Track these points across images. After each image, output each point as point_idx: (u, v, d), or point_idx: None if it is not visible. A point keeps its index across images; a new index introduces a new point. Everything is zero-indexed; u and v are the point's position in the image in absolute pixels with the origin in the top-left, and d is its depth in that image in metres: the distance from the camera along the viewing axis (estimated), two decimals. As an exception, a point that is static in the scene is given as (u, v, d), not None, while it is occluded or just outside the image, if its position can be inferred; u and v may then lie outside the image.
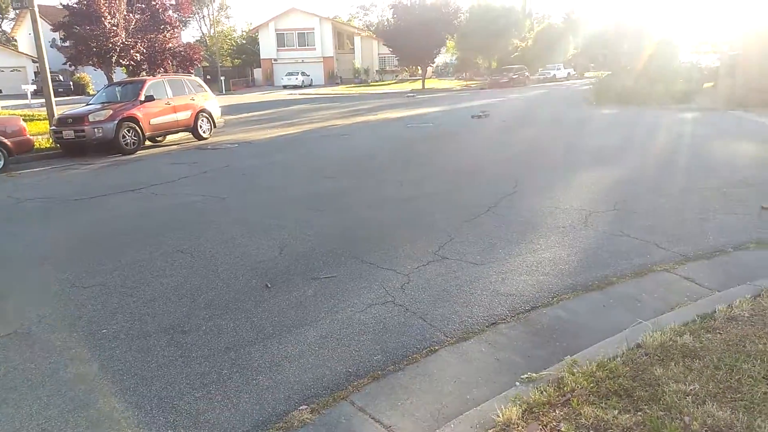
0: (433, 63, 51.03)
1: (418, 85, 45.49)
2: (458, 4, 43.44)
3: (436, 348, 3.31)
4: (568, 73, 51.47)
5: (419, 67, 46.09)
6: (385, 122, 18.19)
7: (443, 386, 2.93)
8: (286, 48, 59.27)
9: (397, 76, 63.63)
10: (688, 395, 2.47)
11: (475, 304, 3.86)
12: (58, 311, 4.10)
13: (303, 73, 54.57)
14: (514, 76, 42.69)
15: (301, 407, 2.79)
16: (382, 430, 2.59)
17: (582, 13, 48.81)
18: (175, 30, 27.22)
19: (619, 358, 2.88)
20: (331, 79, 57.93)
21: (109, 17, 22.31)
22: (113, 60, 23.42)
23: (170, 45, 25.54)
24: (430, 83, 47.66)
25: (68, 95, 37.68)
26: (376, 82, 58.59)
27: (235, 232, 5.88)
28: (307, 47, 58.91)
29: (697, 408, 2.37)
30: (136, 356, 3.39)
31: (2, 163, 10.95)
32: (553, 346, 3.28)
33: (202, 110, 15.33)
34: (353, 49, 63.01)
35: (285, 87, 51.80)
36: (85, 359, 3.39)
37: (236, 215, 6.64)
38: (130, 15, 23.83)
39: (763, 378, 2.58)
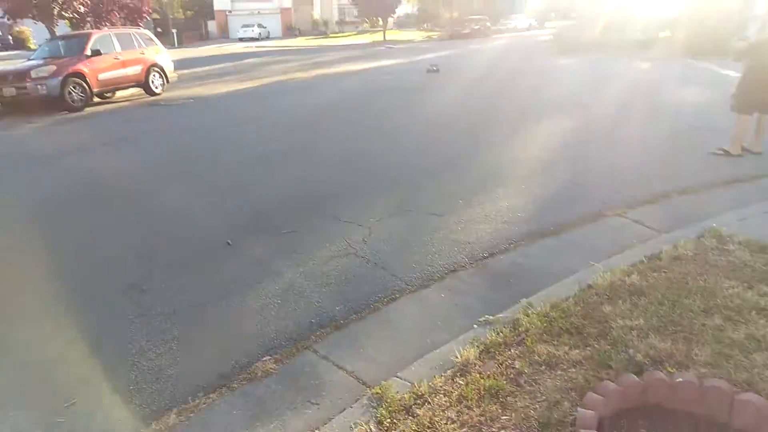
0: (394, 14, 49.83)
1: (379, 36, 44.48)
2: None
3: (397, 296, 3.38)
4: (529, 24, 51.16)
5: (380, 19, 44.96)
6: (346, 75, 17.82)
7: (404, 332, 3.01)
8: (241, -1, 56.76)
9: (357, 27, 62.00)
10: (633, 330, 2.61)
11: (435, 252, 3.93)
12: (9, 274, 3.98)
13: (260, 25, 52.57)
14: (476, 27, 42.17)
15: (264, 358, 2.83)
16: (345, 376, 2.66)
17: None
18: (122, -21, 25.69)
19: (571, 299, 3.00)
20: (290, 31, 56.02)
21: (48, -36, 20.83)
22: (55, 12, 21.99)
23: (116, -5, 24.16)
24: (392, 35, 46.64)
25: (7, 50, 35.48)
26: (336, 33, 56.97)
27: (194, 190, 5.76)
28: (263, -2, 56.53)
29: (641, 341, 2.51)
30: (93, 317, 3.35)
31: (-62, 124, 10.32)
32: (510, 290, 3.39)
33: (154, 65, 14.66)
34: (312, 0, 60.79)
35: (241, 40, 49.86)
36: (40, 323, 3.33)
37: (195, 173, 6.49)
38: (71, -38, 22.29)
39: (702, 311, 2.74)
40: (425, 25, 58.35)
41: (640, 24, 23.33)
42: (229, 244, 4.32)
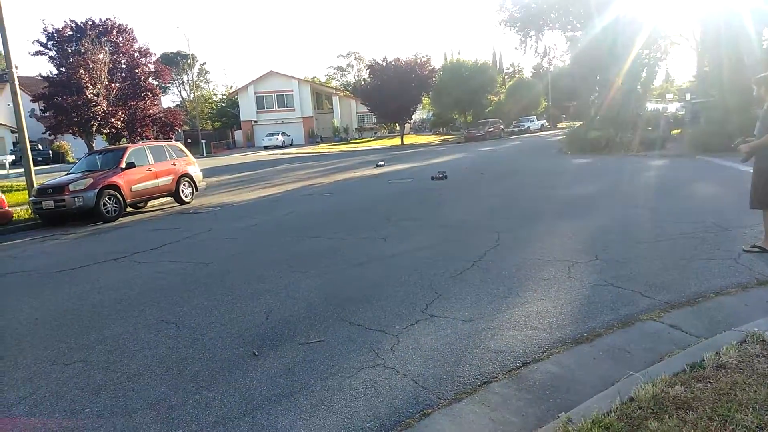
0: (411, 119, 52.43)
1: (397, 141, 46.48)
2: (433, 64, 45.09)
3: (429, 411, 3.26)
4: (542, 125, 53.27)
5: (397, 124, 47.23)
6: (367, 179, 18.44)
7: (439, 452, 2.87)
8: (265, 110, 60.54)
9: (375, 133, 65.10)
10: (685, 449, 2.46)
11: (465, 362, 3.84)
12: (38, 391, 3.96)
13: (283, 134, 55.53)
14: (490, 129, 44.03)
15: (294, 483, 2.70)
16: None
17: (549, 66, 51.07)
18: (156, 97, 27.71)
19: (613, 413, 2.86)
20: (312, 138, 58.98)
21: (91, 87, 22.65)
22: (94, 128, 23.60)
23: (150, 111, 25.92)
24: (409, 139, 48.80)
25: (47, 164, 37.68)
26: (356, 139, 59.80)
27: (220, 299, 5.81)
28: (286, 108, 60.25)
29: (695, 462, 2.35)
30: (121, 436, 3.27)
31: (-21, 236, 10.80)
32: (547, 402, 3.26)
33: (184, 174, 15.44)
34: (332, 108, 64.56)
35: (266, 148, 52.55)
36: (66, 442, 3.26)
37: (220, 281, 6.58)
38: (112, 84, 24.24)
39: (757, 428, 2.59)
40: (441, 129, 61.02)
41: (651, 121, 24.15)
42: (255, 354, 4.28)
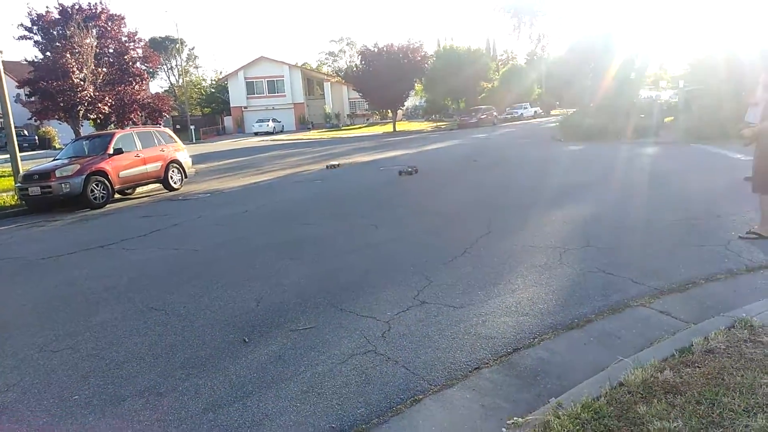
0: (403, 106, 52.19)
1: (389, 128, 46.28)
2: (425, 50, 44.79)
3: (420, 397, 3.26)
4: (535, 112, 53.15)
5: (390, 111, 47.06)
6: (358, 166, 18.37)
7: (430, 437, 2.87)
8: (256, 95, 59.97)
9: (368, 119, 64.76)
10: (673, 433, 2.48)
11: (457, 348, 3.83)
12: (26, 378, 3.92)
13: (274, 120, 55.09)
14: (483, 116, 43.89)
15: (284, 469, 2.69)
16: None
17: (543, 53, 50.91)
18: (144, 82, 27.34)
19: (603, 398, 2.88)
20: (303, 124, 58.60)
21: (77, 71, 22.29)
22: (80, 113, 23.26)
23: (139, 96, 25.58)
24: (401, 126, 48.58)
25: (33, 150, 37.17)
26: (348, 126, 59.47)
27: (209, 285, 5.76)
28: (277, 94, 59.73)
29: (684, 446, 2.37)
30: (110, 423, 3.25)
31: (-35, 222, 10.64)
32: (537, 388, 3.27)
33: (173, 161, 15.28)
34: (323, 94, 64.09)
35: (256, 134, 52.15)
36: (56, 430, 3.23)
37: (209, 268, 6.53)
38: (99, 69, 23.87)
39: (744, 411, 2.60)
40: (433, 116, 60.80)
41: (644, 109, 24.18)
42: (245, 341, 4.26)
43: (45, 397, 3.63)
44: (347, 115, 65.64)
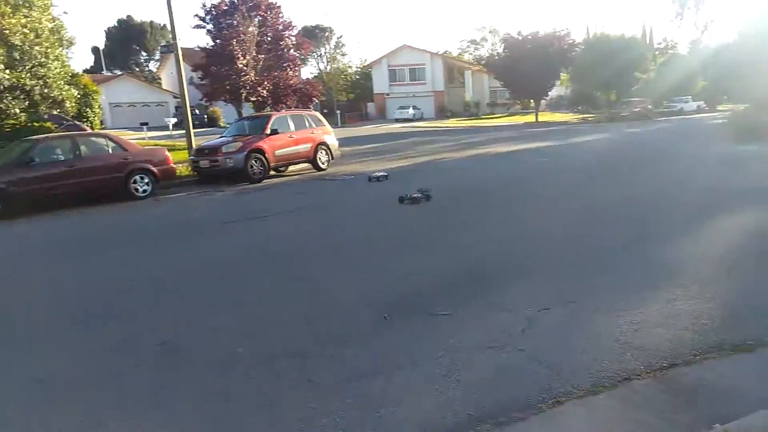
0: (547, 96, 49.86)
1: (530, 118, 44.65)
2: (573, 37, 42.30)
3: (563, 399, 3.15)
4: (698, 106, 47.70)
5: (532, 100, 45.29)
6: (498, 156, 18.01)
7: (573, 442, 2.77)
8: (398, 83, 61.16)
9: (508, 109, 62.95)
10: None
11: (604, 355, 3.63)
12: (193, 333, 4.46)
13: (414, 107, 55.84)
14: (636, 110, 40.50)
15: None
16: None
17: (710, 41, 45.22)
18: (297, 68, 29.26)
19: (781, 433, 2.56)
20: (442, 112, 58.65)
21: (241, 58, 24.49)
22: (243, 96, 25.62)
23: (292, 82, 27.43)
24: (544, 117, 46.55)
25: (202, 127, 41.57)
26: (487, 115, 58.33)
27: (356, 261, 6.08)
28: (418, 82, 60.37)
29: None
30: (265, 377, 3.59)
31: (151, 188, 12.29)
32: (698, 411, 2.99)
33: (321, 143, 16.18)
34: (464, 83, 63.45)
35: (397, 120, 53.27)
36: (221, 377, 3.65)
37: (356, 246, 6.88)
38: (259, 55, 26.02)
39: None
40: (579, 107, 57.34)
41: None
42: (386, 318, 4.43)
43: (211, 350, 4.11)
44: (487, 104, 64.36)
